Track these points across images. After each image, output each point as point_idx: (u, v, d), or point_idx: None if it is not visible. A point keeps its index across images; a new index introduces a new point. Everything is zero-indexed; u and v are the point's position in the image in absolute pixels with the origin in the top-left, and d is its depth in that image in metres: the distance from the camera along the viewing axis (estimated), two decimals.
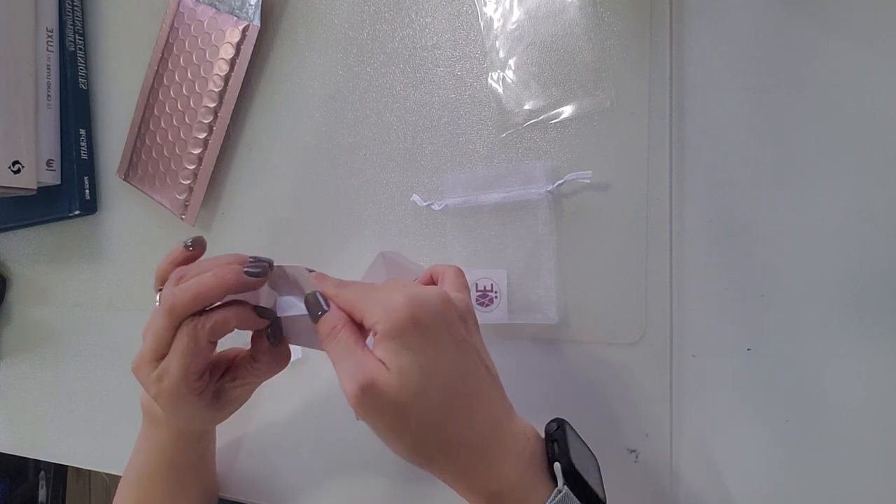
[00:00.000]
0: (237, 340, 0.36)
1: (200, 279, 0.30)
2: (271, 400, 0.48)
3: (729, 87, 0.35)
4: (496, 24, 0.41)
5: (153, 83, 0.52)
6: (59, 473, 1.56)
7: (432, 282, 0.34)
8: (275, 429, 0.48)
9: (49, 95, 0.55)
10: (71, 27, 0.56)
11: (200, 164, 0.50)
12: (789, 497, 0.34)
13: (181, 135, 0.50)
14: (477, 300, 0.40)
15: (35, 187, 0.53)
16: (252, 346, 0.35)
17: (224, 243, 0.51)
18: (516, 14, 0.40)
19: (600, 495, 0.28)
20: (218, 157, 0.50)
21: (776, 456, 0.34)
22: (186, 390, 0.32)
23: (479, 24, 0.41)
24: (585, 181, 0.38)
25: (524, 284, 0.39)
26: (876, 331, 0.32)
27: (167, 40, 0.51)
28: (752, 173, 0.35)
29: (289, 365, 0.47)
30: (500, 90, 0.40)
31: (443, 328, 0.28)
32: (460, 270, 0.33)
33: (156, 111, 0.52)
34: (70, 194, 0.55)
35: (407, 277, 0.36)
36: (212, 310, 0.31)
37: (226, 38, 0.48)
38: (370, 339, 0.28)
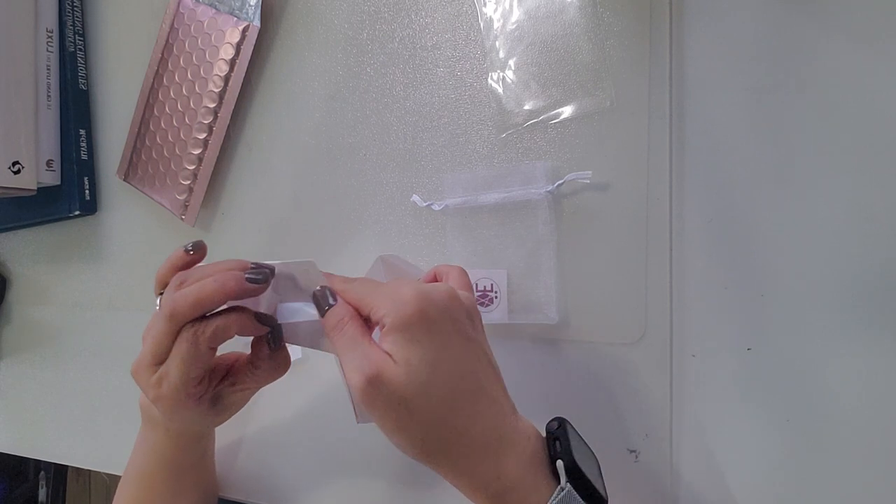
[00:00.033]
0: (237, 345, 0.36)
1: (201, 285, 0.30)
2: (271, 400, 0.48)
3: (729, 87, 0.35)
4: (496, 24, 0.41)
5: (153, 83, 0.52)
6: (59, 473, 1.56)
7: (436, 280, 0.34)
8: (275, 429, 0.48)
9: (49, 96, 0.55)
10: (71, 27, 0.56)
11: (200, 164, 0.50)
12: (789, 497, 0.34)
13: (181, 135, 0.50)
14: (477, 300, 0.40)
15: (35, 188, 0.53)
16: (252, 352, 0.35)
17: (224, 243, 0.51)
18: (516, 14, 0.40)
19: (602, 493, 0.28)
20: (218, 157, 0.50)
21: (776, 456, 0.34)
22: (185, 395, 0.32)
23: (479, 24, 0.41)
24: (585, 181, 0.38)
25: (524, 284, 0.39)
26: (876, 331, 0.32)
27: (167, 40, 0.51)
28: (752, 173, 0.35)
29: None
30: (500, 90, 0.40)
31: (450, 323, 0.28)
32: (464, 271, 0.33)
33: (156, 111, 0.52)
34: (70, 194, 0.55)
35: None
36: (212, 316, 0.31)
37: (226, 39, 0.48)
38: (376, 334, 0.28)
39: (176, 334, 0.31)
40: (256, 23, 0.47)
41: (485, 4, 0.41)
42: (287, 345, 0.44)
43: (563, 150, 0.39)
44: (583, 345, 0.38)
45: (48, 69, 0.54)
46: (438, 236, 0.43)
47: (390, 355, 0.26)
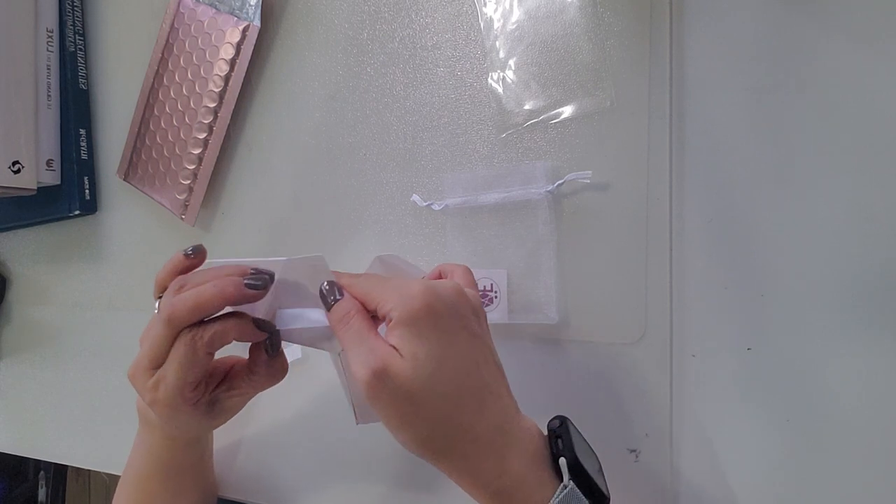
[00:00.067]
0: (235, 348, 0.36)
1: (200, 290, 0.30)
2: (271, 400, 0.48)
3: (729, 87, 0.35)
4: (496, 24, 0.41)
5: (153, 83, 0.52)
6: (59, 473, 1.56)
7: (440, 278, 0.34)
8: (275, 429, 0.48)
9: (49, 95, 0.55)
10: (71, 27, 0.56)
11: (200, 164, 0.50)
12: (789, 497, 0.34)
13: (181, 135, 0.50)
14: None
15: (35, 187, 0.53)
16: (250, 357, 0.35)
17: (224, 243, 0.51)
18: (516, 14, 0.40)
19: (604, 491, 0.28)
20: (218, 157, 0.50)
21: (776, 455, 0.34)
22: (181, 400, 0.32)
23: (479, 24, 0.41)
24: (585, 181, 0.38)
25: (524, 284, 0.39)
26: (876, 331, 0.32)
27: (167, 40, 0.51)
28: (752, 173, 0.35)
29: (289, 365, 0.47)
30: (500, 90, 0.41)
31: (457, 320, 0.28)
32: (469, 269, 0.33)
33: (156, 111, 0.52)
34: (70, 194, 0.55)
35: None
36: (210, 321, 0.31)
37: (226, 38, 0.48)
38: (382, 330, 0.28)
39: (174, 339, 0.31)
40: (256, 23, 0.47)
41: (485, 4, 0.41)
42: (287, 346, 0.44)
43: (563, 150, 0.39)
44: (583, 345, 0.38)
45: (48, 69, 0.54)
46: (438, 236, 0.43)
47: (397, 349, 0.26)
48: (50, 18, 0.55)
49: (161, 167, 0.52)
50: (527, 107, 0.40)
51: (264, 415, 0.48)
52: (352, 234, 0.45)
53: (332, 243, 0.46)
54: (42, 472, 1.55)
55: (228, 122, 0.49)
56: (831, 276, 0.33)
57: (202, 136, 0.49)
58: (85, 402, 0.57)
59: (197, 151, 0.50)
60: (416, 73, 0.44)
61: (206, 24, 0.49)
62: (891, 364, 0.32)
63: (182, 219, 0.51)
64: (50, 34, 0.55)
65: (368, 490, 0.44)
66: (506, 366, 0.31)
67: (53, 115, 0.55)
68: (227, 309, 0.32)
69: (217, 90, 0.48)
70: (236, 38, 0.47)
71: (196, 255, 0.34)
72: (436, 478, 0.42)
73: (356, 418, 0.34)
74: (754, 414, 0.34)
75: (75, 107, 0.56)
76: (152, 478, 0.40)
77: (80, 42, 0.57)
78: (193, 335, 0.30)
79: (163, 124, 0.51)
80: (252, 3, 0.47)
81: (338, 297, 0.29)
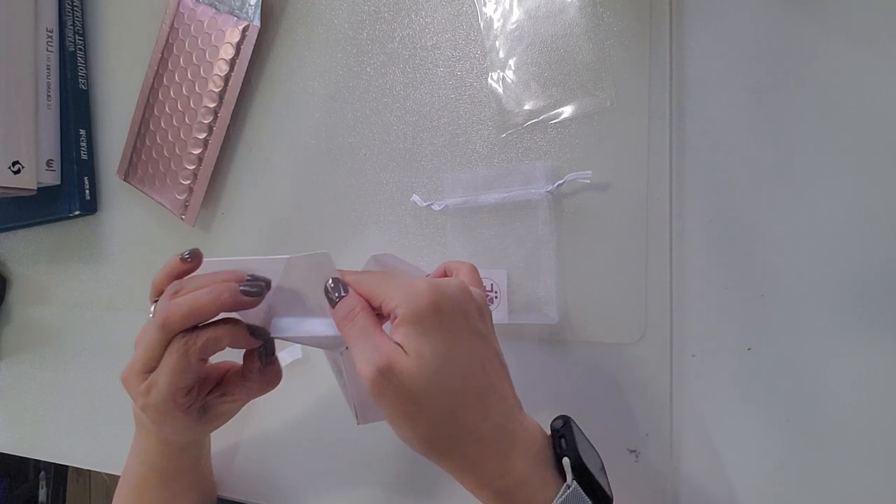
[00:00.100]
0: (230, 355, 0.36)
1: (195, 295, 0.30)
2: (271, 400, 0.48)
3: (729, 87, 0.35)
4: (496, 24, 0.41)
5: (153, 83, 0.52)
6: (59, 473, 1.56)
7: (446, 276, 0.34)
8: (274, 429, 0.48)
9: (49, 95, 0.55)
10: (71, 27, 0.56)
11: (200, 164, 0.50)
12: (789, 497, 0.34)
13: (181, 135, 0.50)
14: None
15: (35, 187, 0.53)
16: (243, 364, 0.35)
17: (224, 243, 0.51)
18: (516, 14, 0.40)
19: (607, 491, 0.28)
20: (218, 157, 0.50)
21: (776, 455, 0.34)
22: (173, 405, 0.32)
23: (479, 24, 0.41)
24: (585, 181, 0.38)
25: (524, 284, 0.39)
26: (876, 331, 0.32)
27: (167, 40, 0.51)
28: (752, 173, 0.35)
29: (289, 364, 0.47)
30: (500, 90, 0.40)
31: (462, 318, 0.28)
32: (474, 267, 0.33)
33: (156, 111, 0.52)
34: (70, 194, 0.55)
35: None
36: (204, 327, 0.31)
37: (226, 38, 0.48)
38: (387, 326, 0.28)
39: (167, 343, 0.31)
40: (256, 23, 0.47)
41: (485, 4, 0.41)
42: (288, 345, 0.44)
43: (563, 150, 0.39)
44: (583, 345, 0.38)
45: (48, 69, 0.54)
46: (438, 236, 0.42)
47: (401, 347, 0.26)
48: (50, 18, 0.55)
49: (161, 167, 0.52)
50: (527, 107, 0.40)
51: (264, 415, 0.48)
52: (352, 235, 0.45)
53: (332, 243, 0.46)
54: (42, 473, 1.55)
55: (228, 122, 0.49)
56: (831, 276, 0.33)
57: (202, 136, 0.49)
58: (85, 402, 0.57)
59: (197, 151, 0.50)
60: (416, 73, 0.44)
61: (206, 24, 0.49)
62: (891, 364, 0.32)
63: (182, 219, 0.51)
64: (50, 34, 0.55)
65: (368, 490, 0.44)
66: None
67: (53, 115, 0.55)
68: (222, 315, 0.32)
69: (217, 90, 0.48)
70: (236, 38, 0.47)
71: (192, 259, 0.34)
72: (436, 478, 0.42)
73: (357, 419, 0.34)
74: (754, 414, 0.34)
75: (75, 107, 0.56)
76: (149, 481, 0.40)
77: (80, 42, 0.57)
78: (186, 341, 0.30)
79: (163, 124, 0.51)
80: (252, 3, 0.47)
81: (342, 293, 0.29)
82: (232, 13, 0.48)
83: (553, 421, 0.30)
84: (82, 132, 0.56)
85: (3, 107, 0.50)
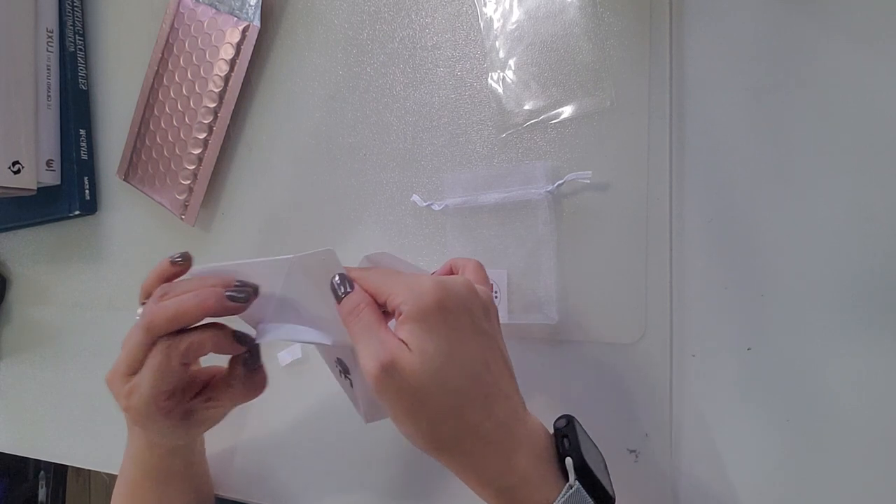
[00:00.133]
0: (219, 359, 0.36)
1: (181, 299, 0.30)
2: (271, 400, 0.48)
3: (729, 87, 0.35)
4: (496, 24, 0.41)
5: (153, 83, 0.52)
6: (59, 473, 1.56)
7: (452, 273, 0.34)
8: (274, 429, 0.48)
9: (49, 96, 0.55)
10: (71, 27, 0.56)
11: (200, 164, 0.50)
12: (789, 497, 0.34)
13: (181, 135, 0.50)
14: None
15: (35, 187, 0.53)
16: (228, 369, 0.35)
17: (224, 243, 0.51)
18: (516, 14, 0.40)
19: (610, 491, 0.28)
20: (218, 157, 0.50)
21: (776, 456, 0.34)
22: (155, 408, 0.32)
23: (479, 24, 0.41)
24: (585, 181, 0.38)
25: (524, 284, 0.39)
26: (876, 331, 0.32)
27: (167, 40, 0.51)
28: (752, 173, 0.35)
29: (289, 364, 0.47)
30: (500, 90, 0.40)
31: (467, 316, 0.28)
32: (480, 264, 0.33)
33: (156, 111, 0.52)
34: (70, 194, 0.55)
35: None
36: (189, 331, 0.31)
37: (226, 38, 0.48)
38: (392, 323, 0.28)
39: (151, 346, 0.31)
40: (256, 23, 0.47)
41: (485, 4, 0.41)
42: (288, 345, 0.44)
43: (563, 150, 0.39)
44: (583, 345, 0.38)
45: (48, 69, 0.54)
46: (438, 236, 0.42)
47: (406, 343, 0.26)
48: (50, 18, 0.55)
49: (161, 167, 0.52)
50: (527, 107, 0.40)
51: (264, 415, 0.48)
52: (352, 235, 0.45)
53: (331, 243, 0.46)
54: (42, 472, 1.55)
55: (228, 122, 0.49)
56: (831, 276, 0.33)
57: (202, 136, 0.49)
58: (85, 402, 0.57)
59: (197, 151, 0.50)
60: (416, 73, 0.44)
61: (206, 24, 0.49)
62: (891, 364, 0.32)
63: (182, 219, 0.51)
64: (50, 34, 0.55)
65: (369, 490, 0.44)
66: None
67: (53, 115, 0.55)
68: (209, 319, 0.31)
69: (217, 90, 0.48)
70: (236, 38, 0.47)
71: (183, 262, 0.34)
72: (435, 479, 0.42)
73: (364, 417, 0.34)
74: (754, 414, 0.34)
75: (75, 107, 0.56)
76: (140, 484, 0.40)
77: (80, 42, 0.57)
78: (169, 345, 0.30)
79: (163, 124, 0.51)
80: (252, 3, 0.47)
81: (348, 289, 0.29)
82: (232, 13, 0.48)
83: (556, 420, 0.30)
84: (82, 132, 0.56)
85: (3, 107, 0.50)
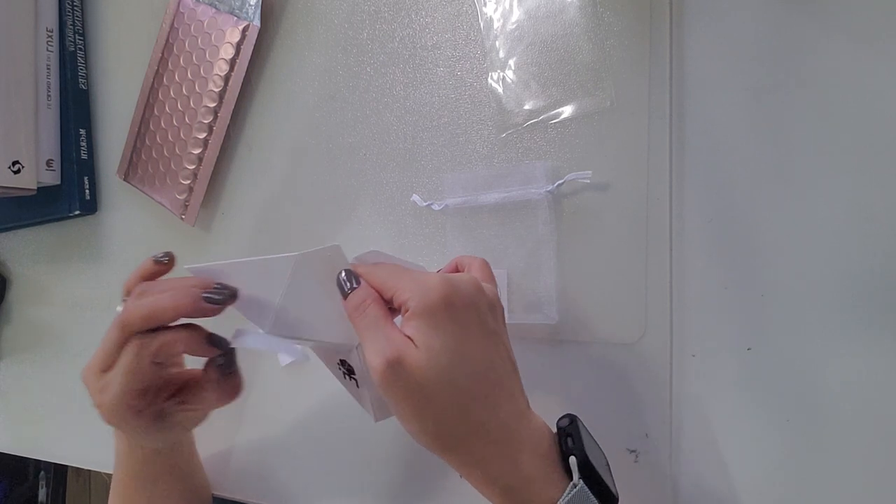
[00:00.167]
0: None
1: (156, 298, 0.30)
2: (271, 399, 0.48)
3: (729, 87, 0.35)
4: (496, 24, 0.41)
5: (153, 83, 0.52)
6: (59, 473, 1.56)
7: (457, 271, 0.34)
8: (274, 428, 0.48)
9: (49, 95, 0.55)
10: (71, 27, 0.56)
11: (200, 164, 0.50)
12: (790, 497, 0.34)
13: (181, 135, 0.50)
14: None
15: (35, 187, 0.53)
16: (203, 373, 0.35)
17: (224, 243, 0.51)
18: (516, 14, 0.40)
19: (613, 491, 0.28)
20: (218, 157, 0.50)
21: (776, 456, 0.34)
22: (125, 406, 0.32)
23: (479, 24, 0.41)
24: (585, 181, 0.38)
25: (524, 284, 0.39)
26: (876, 331, 0.32)
27: (167, 40, 0.51)
28: (752, 173, 0.35)
29: (289, 364, 0.47)
30: (500, 90, 0.40)
31: (474, 314, 0.28)
32: (487, 263, 0.33)
33: (156, 111, 0.52)
34: (70, 194, 0.55)
35: None
36: (161, 330, 0.31)
37: (226, 38, 0.48)
38: (398, 320, 0.28)
39: (125, 343, 0.31)
40: (256, 23, 0.47)
41: (485, 4, 0.41)
42: (288, 345, 0.44)
43: (563, 150, 0.39)
44: (583, 345, 0.38)
45: (48, 69, 0.54)
46: (438, 236, 0.42)
47: (412, 340, 0.26)
48: (50, 18, 0.55)
49: (161, 167, 0.52)
50: (527, 107, 0.40)
51: (264, 414, 0.48)
52: (352, 235, 0.45)
53: (331, 243, 0.46)
54: (42, 472, 1.55)
55: (228, 122, 0.49)
56: (831, 276, 0.33)
57: (202, 136, 0.49)
58: (85, 402, 0.57)
59: (197, 151, 0.50)
60: (416, 73, 0.44)
61: (206, 24, 0.49)
62: (891, 364, 0.32)
63: (182, 219, 0.51)
64: (50, 34, 0.55)
65: (368, 490, 0.44)
66: None
67: (53, 115, 0.55)
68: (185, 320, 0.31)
69: (217, 90, 0.48)
70: (236, 38, 0.47)
71: (167, 262, 0.34)
72: (436, 479, 0.42)
73: (374, 416, 0.34)
74: (754, 414, 0.34)
75: (75, 107, 0.56)
76: (127, 484, 0.40)
77: (80, 42, 0.57)
78: (141, 343, 0.30)
79: (163, 124, 0.51)
80: (252, 3, 0.47)
81: (354, 285, 0.29)
82: (232, 13, 0.48)
83: (559, 420, 0.30)
84: (82, 132, 0.56)
85: (3, 107, 0.50)
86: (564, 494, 0.26)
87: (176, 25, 0.51)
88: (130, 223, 0.56)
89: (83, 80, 0.57)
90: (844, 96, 0.33)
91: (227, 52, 0.48)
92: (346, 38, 0.46)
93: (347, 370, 0.34)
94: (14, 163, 0.51)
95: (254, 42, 0.47)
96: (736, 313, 0.35)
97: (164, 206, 0.52)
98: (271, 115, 0.49)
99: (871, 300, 0.32)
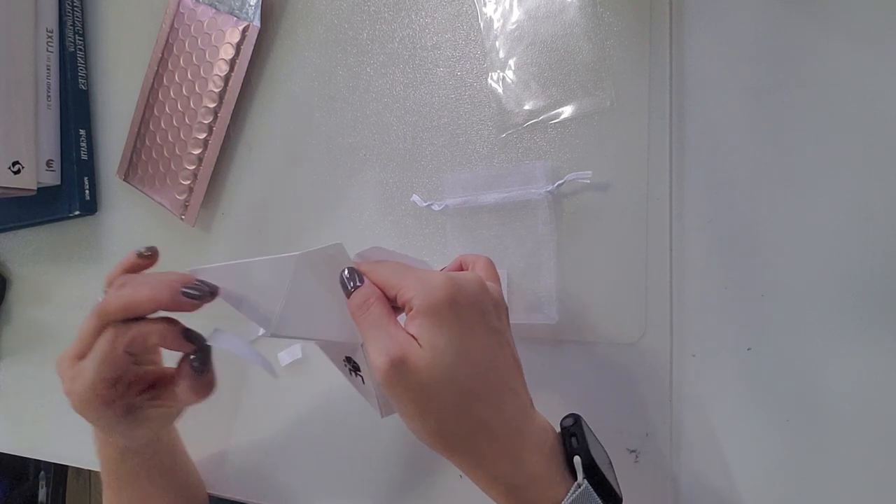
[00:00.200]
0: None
1: (135, 289, 0.30)
2: (271, 399, 0.48)
3: (729, 87, 0.35)
4: (496, 24, 0.41)
5: (153, 83, 0.52)
6: (59, 473, 1.56)
7: (461, 270, 0.33)
8: (274, 428, 0.48)
9: (49, 96, 0.55)
10: (71, 27, 0.56)
11: (200, 164, 0.50)
12: (790, 497, 0.34)
13: (181, 135, 0.50)
14: None
15: (35, 187, 0.53)
16: (176, 368, 0.34)
17: (224, 243, 0.51)
18: (516, 14, 0.40)
19: (617, 491, 0.28)
20: (218, 157, 0.50)
21: (776, 456, 0.34)
22: (94, 395, 0.31)
23: (479, 24, 0.41)
24: (585, 181, 0.38)
25: (524, 284, 0.39)
26: (876, 331, 0.32)
27: (167, 40, 0.51)
28: (752, 173, 0.35)
29: (288, 364, 0.47)
30: (500, 90, 0.40)
31: (478, 313, 0.28)
32: (491, 261, 0.33)
33: (156, 111, 0.52)
34: (70, 194, 0.55)
35: None
36: (137, 321, 0.31)
37: (226, 39, 0.48)
38: (401, 318, 0.28)
39: (100, 332, 0.31)
40: (256, 23, 0.47)
41: (485, 4, 0.41)
42: (288, 345, 0.44)
43: (563, 150, 0.39)
44: (583, 345, 0.38)
45: (48, 69, 0.54)
46: (438, 236, 0.42)
47: (416, 339, 0.26)
48: (50, 18, 0.55)
49: (161, 167, 0.52)
50: (527, 107, 0.40)
51: (264, 414, 0.48)
52: (352, 235, 0.45)
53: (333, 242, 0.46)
54: (42, 473, 1.55)
55: (228, 122, 0.49)
56: (831, 276, 0.33)
57: (202, 136, 0.49)
58: None
59: (197, 151, 0.50)
60: (416, 73, 0.44)
61: (206, 24, 0.49)
62: (891, 364, 0.32)
63: (182, 219, 0.51)
64: (50, 34, 0.55)
65: (368, 490, 0.44)
66: None
67: (53, 115, 0.55)
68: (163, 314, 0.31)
69: (217, 90, 0.48)
70: (236, 38, 0.47)
71: (150, 256, 0.34)
72: (436, 478, 0.42)
73: (381, 411, 0.34)
74: (754, 414, 0.34)
75: (75, 107, 0.56)
76: (109, 485, 0.40)
77: (80, 42, 0.57)
78: (116, 332, 0.30)
79: (163, 124, 0.51)
80: (252, 3, 0.47)
81: (358, 283, 0.29)
82: (232, 13, 0.48)
83: (563, 419, 0.30)
84: (82, 132, 0.56)
85: (3, 107, 0.50)
86: (569, 494, 0.26)
87: (176, 26, 0.51)
88: (130, 223, 0.56)
89: (83, 81, 0.57)
90: (844, 96, 0.33)
91: (227, 52, 0.48)
92: (346, 38, 0.46)
93: (353, 367, 0.34)
94: (14, 163, 0.51)
95: (254, 42, 0.47)
96: (736, 313, 0.35)
97: (164, 206, 0.52)
98: (271, 115, 0.49)
99: (871, 300, 0.32)
